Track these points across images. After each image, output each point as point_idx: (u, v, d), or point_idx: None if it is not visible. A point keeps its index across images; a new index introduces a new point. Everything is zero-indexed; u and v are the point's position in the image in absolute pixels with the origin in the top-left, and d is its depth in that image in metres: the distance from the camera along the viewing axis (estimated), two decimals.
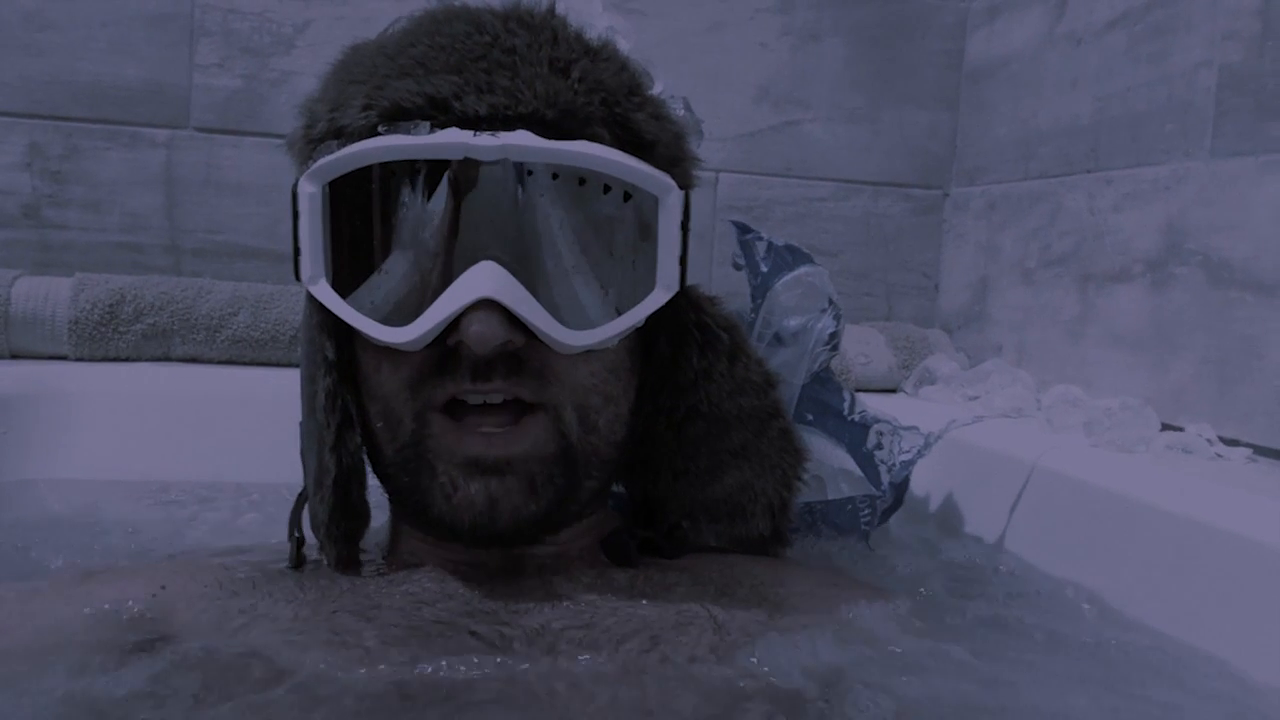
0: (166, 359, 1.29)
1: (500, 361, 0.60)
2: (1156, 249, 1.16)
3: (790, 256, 0.90)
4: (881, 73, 1.60)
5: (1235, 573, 0.76)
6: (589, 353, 0.63)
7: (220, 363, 1.31)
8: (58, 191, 1.38)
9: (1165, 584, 0.81)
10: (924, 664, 0.64)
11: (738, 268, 0.91)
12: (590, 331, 0.62)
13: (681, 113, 0.71)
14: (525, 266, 0.60)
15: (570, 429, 0.63)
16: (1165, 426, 1.07)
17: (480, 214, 0.61)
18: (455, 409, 0.62)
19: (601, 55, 0.66)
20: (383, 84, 0.62)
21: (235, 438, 1.14)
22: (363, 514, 0.68)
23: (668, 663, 0.59)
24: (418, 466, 0.63)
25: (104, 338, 1.26)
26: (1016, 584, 0.92)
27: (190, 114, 1.41)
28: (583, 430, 0.64)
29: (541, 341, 0.61)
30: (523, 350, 0.61)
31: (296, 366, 1.25)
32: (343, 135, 0.62)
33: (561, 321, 0.61)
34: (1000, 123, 1.50)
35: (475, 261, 0.59)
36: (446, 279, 0.60)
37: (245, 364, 1.31)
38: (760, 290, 0.90)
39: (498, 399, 0.61)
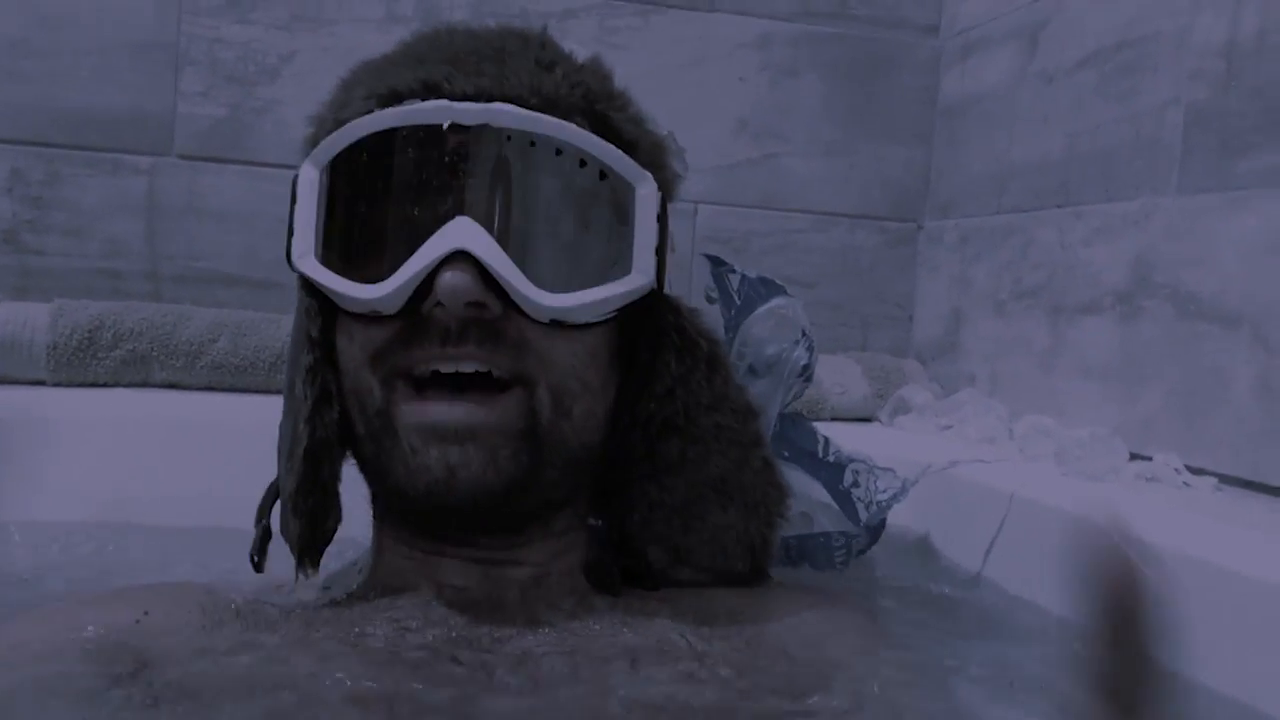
0: (145, 385, 1.29)
1: (474, 328, 0.60)
2: (1125, 282, 1.19)
3: (764, 289, 0.91)
4: (858, 108, 1.63)
5: (1203, 598, 0.78)
6: (568, 331, 0.63)
7: (200, 389, 1.31)
8: (38, 217, 1.38)
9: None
10: (902, 688, 0.65)
11: (711, 300, 0.92)
12: (564, 295, 0.62)
13: (664, 134, 0.72)
14: (500, 226, 0.61)
15: (542, 408, 0.63)
16: (1134, 456, 1.09)
17: (459, 179, 0.62)
18: (424, 384, 0.62)
19: (587, 67, 0.69)
20: (382, 76, 0.66)
21: (214, 463, 1.13)
22: (331, 493, 0.68)
23: (649, 689, 0.59)
24: (381, 433, 0.63)
25: (82, 363, 1.25)
26: (992, 607, 0.93)
27: (174, 141, 1.42)
28: (555, 414, 0.63)
29: (518, 314, 0.61)
30: (499, 321, 0.61)
31: (273, 394, 1.28)
32: (343, 126, 0.65)
33: (535, 283, 0.61)
34: (973, 158, 1.53)
35: (451, 219, 0.60)
36: (422, 237, 0.60)
37: (225, 390, 1.31)
38: (734, 323, 0.90)
39: (470, 368, 0.61)
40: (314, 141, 0.67)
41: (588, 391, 0.65)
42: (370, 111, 0.64)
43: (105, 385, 1.27)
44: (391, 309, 0.61)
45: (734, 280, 0.91)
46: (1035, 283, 1.35)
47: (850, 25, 1.62)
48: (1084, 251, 1.26)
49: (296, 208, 0.65)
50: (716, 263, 0.93)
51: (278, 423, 0.71)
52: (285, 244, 0.65)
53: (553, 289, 0.62)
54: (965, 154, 1.56)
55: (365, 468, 0.68)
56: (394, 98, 0.64)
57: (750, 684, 0.61)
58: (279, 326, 1.33)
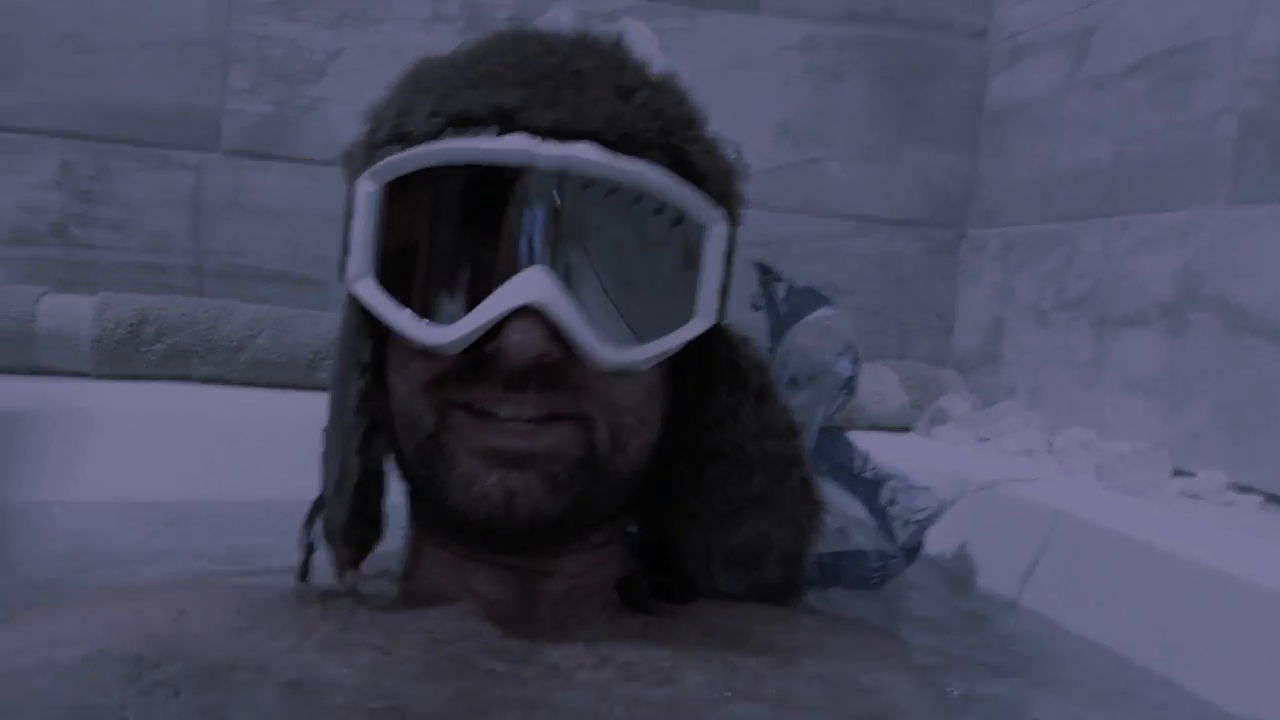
0: (187, 379, 1.31)
1: (535, 373, 0.60)
2: (1172, 294, 1.17)
3: (810, 299, 0.90)
4: (902, 112, 1.62)
5: (1242, 618, 0.76)
6: (625, 373, 0.63)
7: (240, 384, 1.32)
8: (86, 211, 1.40)
9: (1177, 630, 0.81)
10: (939, 707, 0.64)
11: (756, 309, 0.91)
12: (629, 350, 0.62)
13: (733, 156, 0.72)
14: (572, 278, 0.60)
15: (601, 441, 0.63)
16: (1177, 472, 1.07)
17: (533, 223, 0.60)
18: (477, 415, 0.62)
19: (663, 87, 0.67)
20: (451, 93, 0.64)
21: (253, 458, 1.14)
22: (378, 521, 0.68)
23: (678, 705, 0.59)
24: (435, 458, 0.62)
25: (126, 356, 1.27)
26: (1030, 629, 0.92)
27: (221, 138, 1.44)
28: (613, 447, 0.63)
29: (578, 356, 0.61)
30: (560, 364, 0.60)
31: (312, 390, 1.29)
32: (407, 140, 0.63)
33: (601, 338, 0.61)
34: (1019, 165, 1.51)
35: (523, 268, 0.59)
36: (493, 284, 0.59)
37: (264, 386, 1.33)
38: (778, 332, 0.89)
39: (529, 413, 0.61)
40: (370, 144, 0.66)
41: (644, 427, 0.66)
42: (438, 130, 0.63)
43: (147, 378, 1.29)
44: (452, 352, 0.61)
45: (780, 289, 0.90)
46: (1079, 293, 1.33)
47: (896, 28, 1.61)
48: (1130, 262, 1.24)
49: (354, 223, 0.63)
50: (764, 271, 0.92)
51: (317, 422, 0.71)
52: (340, 257, 0.64)
53: (619, 342, 0.62)
54: (1011, 161, 1.54)
55: (414, 485, 0.68)
56: (464, 120, 0.62)
57: (781, 713, 0.60)
58: (319, 323, 1.34)
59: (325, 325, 1.34)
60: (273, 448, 1.08)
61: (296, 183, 1.45)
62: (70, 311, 1.27)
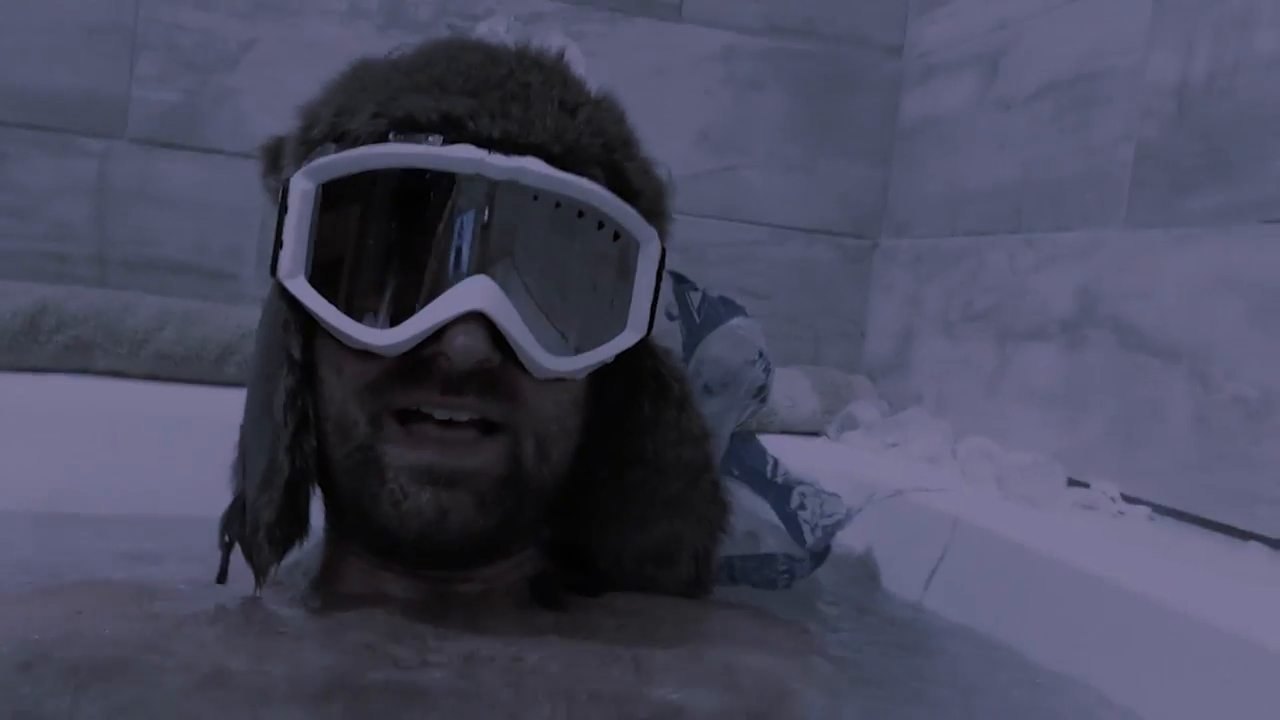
0: (87, 372, 1.27)
1: (473, 378, 0.61)
2: (1071, 311, 1.21)
3: (724, 308, 0.91)
4: (819, 124, 1.65)
5: (1132, 628, 0.80)
6: (558, 383, 0.65)
7: (143, 378, 1.29)
8: None
9: (1068, 636, 0.84)
10: (843, 703, 0.66)
11: (671, 318, 0.92)
12: (567, 359, 0.64)
13: (664, 175, 0.74)
14: (517, 287, 0.62)
15: (526, 456, 0.64)
16: (1072, 482, 1.11)
17: (479, 231, 0.62)
18: (411, 419, 0.62)
19: (603, 105, 0.69)
20: (396, 95, 0.64)
21: (155, 455, 1.12)
22: (305, 519, 0.67)
23: (594, 698, 0.59)
24: (366, 471, 0.63)
25: (23, 348, 1.23)
26: (931, 631, 0.95)
27: (127, 125, 1.40)
28: (537, 459, 0.65)
29: (515, 365, 0.62)
30: (497, 371, 0.62)
31: (221, 385, 1.26)
32: (345, 139, 0.64)
33: (542, 346, 0.62)
34: (930, 179, 1.56)
35: (469, 275, 0.60)
36: (439, 288, 0.61)
37: (168, 380, 1.29)
38: (692, 341, 0.91)
39: (464, 416, 0.62)
40: (305, 140, 0.66)
41: (566, 436, 0.67)
42: (381, 133, 0.63)
43: (46, 371, 1.25)
44: (394, 354, 0.61)
45: (695, 298, 0.92)
46: (985, 306, 1.37)
47: (815, 42, 1.64)
48: (1033, 278, 1.29)
49: (287, 220, 0.63)
50: (679, 279, 0.93)
51: (225, 418, 0.71)
52: (269, 251, 0.63)
53: (557, 351, 0.63)
54: (922, 175, 1.58)
55: (341, 506, 0.67)
56: (410, 125, 0.63)
57: (690, 700, 0.61)
58: (227, 317, 1.31)
59: (235, 320, 1.30)
60: (177, 443, 1.05)
61: (206, 173, 1.42)
62: None
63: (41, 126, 1.37)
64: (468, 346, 0.59)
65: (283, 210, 0.63)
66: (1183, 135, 1.09)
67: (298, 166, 0.64)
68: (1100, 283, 1.17)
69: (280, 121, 0.70)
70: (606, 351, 0.66)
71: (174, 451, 1.06)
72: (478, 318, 0.59)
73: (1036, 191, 1.30)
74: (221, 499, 0.71)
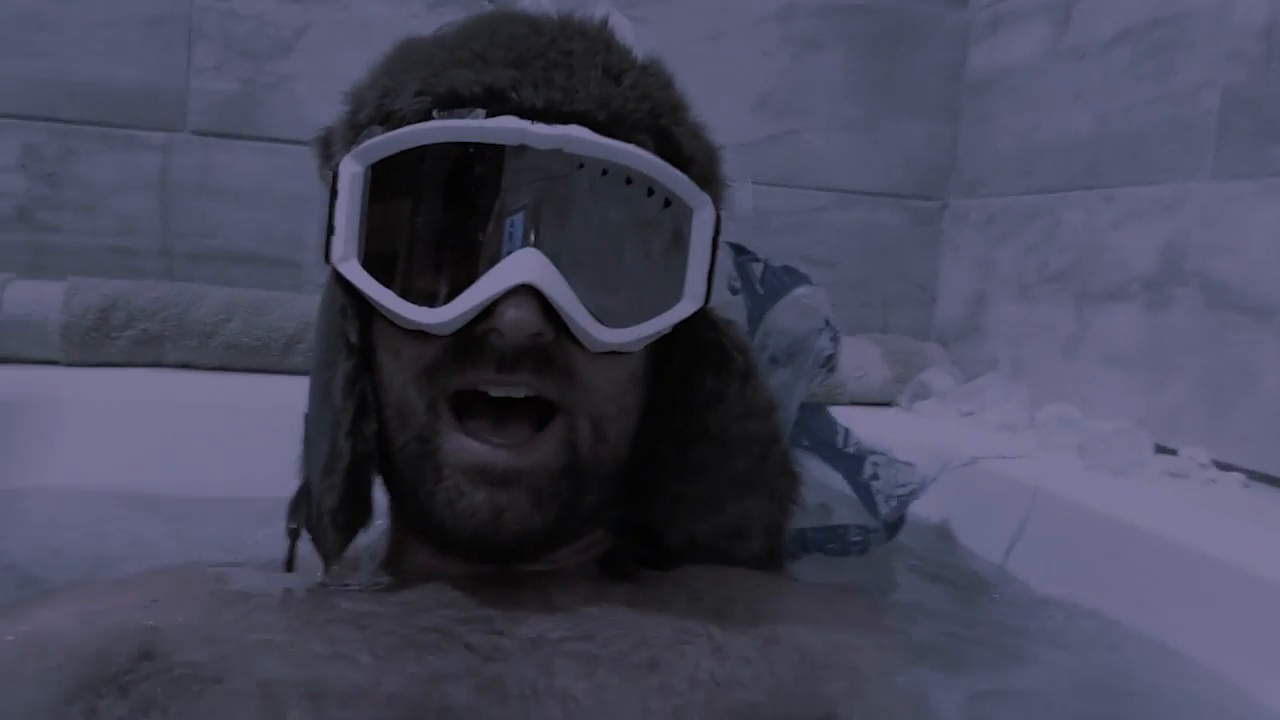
0: (158, 365, 1.29)
1: (528, 354, 0.60)
2: (1154, 269, 1.16)
3: (787, 278, 0.89)
4: (881, 83, 1.60)
5: (1226, 600, 0.76)
6: (613, 357, 0.63)
7: (212, 369, 1.30)
8: (51, 194, 1.37)
9: (1158, 610, 0.81)
10: (919, 684, 0.64)
11: (734, 291, 0.90)
12: (622, 330, 0.62)
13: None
14: (566, 259, 0.60)
15: (582, 440, 0.63)
16: (1159, 449, 1.07)
17: (526, 203, 0.61)
18: (469, 407, 0.62)
19: (650, 70, 0.68)
20: (439, 72, 0.63)
21: (226, 445, 1.13)
22: (368, 503, 0.67)
23: (667, 688, 0.58)
24: (423, 464, 0.62)
25: (96, 343, 1.25)
26: (1014, 604, 0.92)
27: (187, 117, 1.41)
28: (594, 441, 0.64)
29: (570, 340, 0.61)
30: (551, 346, 0.61)
31: (287, 374, 1.27)
32: (391, 120, 0.63)
33: (595, 318, 0.61)
34: (1001, 135, 1.50)
35: (517, 249, 0.59)
36: (487, 263, 0.60)
37: (237, 370, 1.31)
38: (757, 313, 0.89)
39: (520, 393, 0.61)
40: (352, 124, 0.65)
41: (624, 414, 0.66)
42: (425, 110, 0.62)
43: (118, 365, 1.27)
44: (446, 333, 0.61)
45: (757, 269, 0.90)
46: (1061, 266, 1.32)
47: None
48: (1112, 235, 1.23)
49: (338, 204, 0.62)
50: (739, 251, 0.91)
51: (294, 407, 0.70)
52: (323, 238, 0.63)
53: (611, 322, 0.62)
54: (992, 131, 1.52)
55: (400, 497, 0.67)
56: (453, 100, 0.62)
57: (767, 681, 0.60)
58: (292, 305, 1.32)
59: (300, 308, 1.31)
60: (248, 433, 1.06)
61: (266, 162, 1.42)
62: (37, 298, 1.25)
63: (105, 122, 1.38)
64: (518, 320, 0.58)
65: (333, 195, 0.63)
66: (1273, 80, 1.02)
67: (347, 151, 0.63)
68: (1185, 238, 1.12)
69: (335, 106, 0.69)
70: (663, 322, 0.64)
71: (246, 441, 1.07)
72: (527, 290, 0.58)
73: (1114, 144, 1.25)
74: (293, 485, 0.71)
